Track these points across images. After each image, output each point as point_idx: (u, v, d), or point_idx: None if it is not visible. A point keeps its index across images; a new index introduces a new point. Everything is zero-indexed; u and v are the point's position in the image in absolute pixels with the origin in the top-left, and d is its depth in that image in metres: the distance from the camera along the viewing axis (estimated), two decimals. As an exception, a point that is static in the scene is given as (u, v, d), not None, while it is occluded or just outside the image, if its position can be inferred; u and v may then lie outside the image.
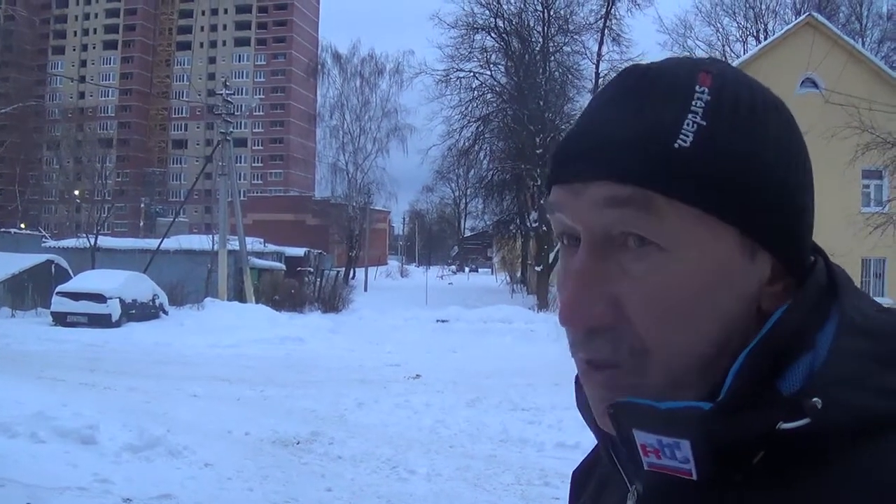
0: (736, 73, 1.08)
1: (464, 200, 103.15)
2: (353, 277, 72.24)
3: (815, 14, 39.79)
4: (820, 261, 1.10)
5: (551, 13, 52.55)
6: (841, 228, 26.15)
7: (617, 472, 1.15)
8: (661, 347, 1.02)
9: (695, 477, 0.98)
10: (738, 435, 0.95)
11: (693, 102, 1.01)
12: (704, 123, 1.00)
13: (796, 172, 1.05)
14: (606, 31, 51.64)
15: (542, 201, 50.10)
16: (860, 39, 54.99)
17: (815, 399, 0.92)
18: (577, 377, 1.17)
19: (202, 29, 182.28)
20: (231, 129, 44.57)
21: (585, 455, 1.44)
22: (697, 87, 1.03)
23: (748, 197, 1.00)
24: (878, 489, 0.89)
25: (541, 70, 52.00)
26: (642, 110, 1.03)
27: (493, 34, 54.68)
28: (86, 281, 35.09)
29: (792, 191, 1.04)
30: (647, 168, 0.99)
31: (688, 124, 1.00)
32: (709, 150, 0.99)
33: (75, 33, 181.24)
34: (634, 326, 1.02)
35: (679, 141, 0.99)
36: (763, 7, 63.57)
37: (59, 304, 33.49)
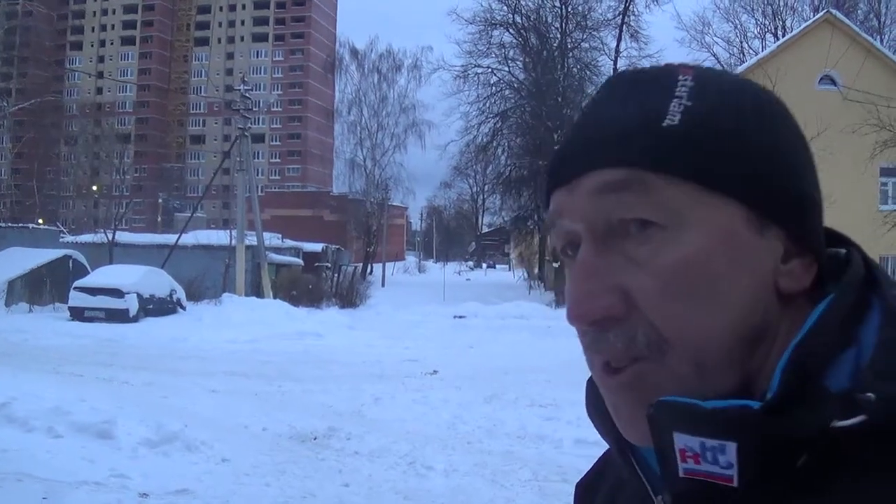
0: (718, 70, 1.10)
1: (481, 196, 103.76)
2: (370, 273, 72.63)
3: (834, 11, 39.64)
4: (856, 253, 1.05)
5: (569, 9, 52.61)
6: (859, 226, 25.97)
7: (637, 482, 1.10)
8: (679, 335, 0.98)
9: (735, 483, 0.92)
10: (789, 435, 0.90)
11: (677, 89, 1.02)
12: (690, 104, 1.00)
13: (792, 150, 1.03)
14: (624, 27, 51.64)
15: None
16: (878, 36, 54.88)
17: (868, 394, 0.87)
18: (589, 380, 1.16)
19: (220, 25, 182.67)
20: (249, 125, 44.71)
21: (593, 464, 1.41)
22: (680, 77, 1.03)
23: (744, 169, 0.98)
24: None
25: (559, 66, 52.04)
26: (628, 102, 1.03)
27: (510, 30, 54.77)
28: (103, 276, 35.26)
29: (788, 166, 1.02)
30: (638, 149, 0.99)
31: (674, 106, 1.00)
32: (698, 126, 0.99)
33: (93, 29, 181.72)
34: (647, 315, 0.98)
35: (667, 120, 0.99)
36: (781, 4, 63.45)
37: (77, 299, 33.66)
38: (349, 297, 46.37)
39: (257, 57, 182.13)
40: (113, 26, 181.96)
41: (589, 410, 1.18)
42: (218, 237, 49.66)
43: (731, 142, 0.98)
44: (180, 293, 37.66)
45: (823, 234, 1.06)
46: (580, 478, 1.41)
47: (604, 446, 1.28)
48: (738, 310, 0.97)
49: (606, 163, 1.00)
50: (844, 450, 0.89)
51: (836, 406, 0.88)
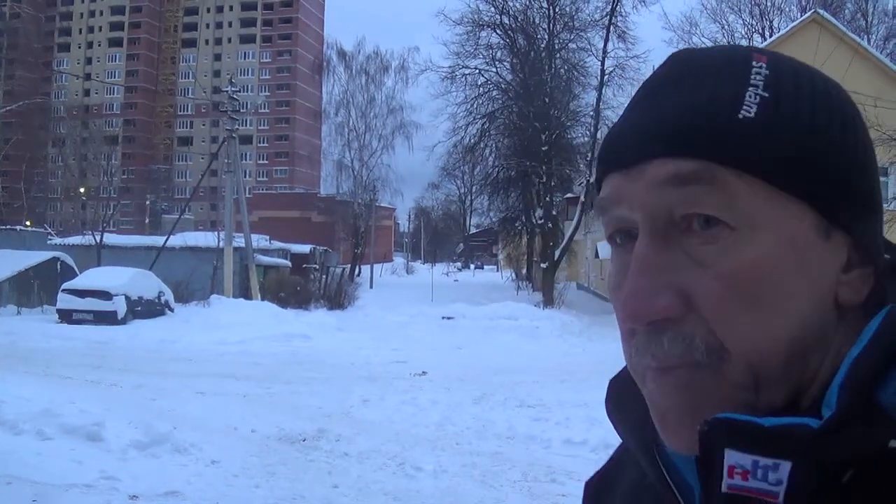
0: (787, 57, 1.03)
1: (469, 197, 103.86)
2: (358, 274, 72.56)
3: (821, 11, 39.72)
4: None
5: (557, 10, 52.47)
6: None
7: (665, 489, 1.04)
8: (740, 343, 0.93)
9: (780, 500, 0.87)
10: (846, 455, 0.86)
11: (752, 76, 0.96)
12: (767, 95, 0.95)
13: (864, 149, 0.99)
14: (612, 28, 51.45)
15: (547, 198, 50.19)
16: (866, 37, 55.02)
17: None
18: (614, 379, 1.13)
19: (207, 26, 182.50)
20: (236, 127, 44.61)
21: (603, 464, 1.32)
22: (754, 63, 0.98)
23: (819, 170, 0.94)
24: None
25: (546, 67, 51.96)
26: (700, 85, 0.97)
27: (498, 31, 54.63)
28: (91, 278, 35.16)
29: (861, 167, 0.97)
30: (712, 140, 0.94)
31: (750, 96, 0.95)
32: (776, 121, 0.94)
33: (81, 31, 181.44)
34: (707, 320, 0.94)
35: (743, 111, 0.94)
36: (768, 4, 63.58)
37: (65, 301, 33.58)
38: (337, 298, 46.28)
39: (245, 58, 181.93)
40: (100, 28, 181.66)
41: (609, 409, 1.14)
42: (206, 239, 49.59)
43: (807, 139, 0.94)
44: (168, 295, 37.57)
45: (883, 242, 1.03)
46: (589, 476, 1.32)
47: (594, 445, 1.28)
48: (798, 320, 0.94)
49: (675, 151, 0.95)
50: (890, 467, 0.85)
51: (892, 425, 0.85)
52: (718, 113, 0.94)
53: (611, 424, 1.13)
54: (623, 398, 1.09)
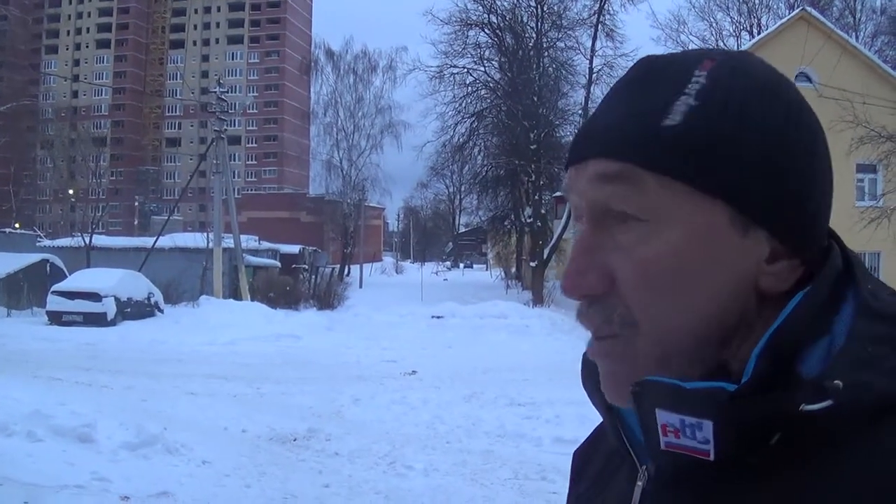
0: (745, 60, 1.10)
1: (458, 196, 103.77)
2: (347, 274, 72.48)
3: (809, 8, 39.76)
4: (835, 246, 1.10)
5: (545, 9, 52.47)
6: (835, 222, 25.63)
7: (625, 451, 1.17)
8: (649, 320, 1.05)
9: (712, 458, 0.99)
10: (762, 417, 0.96)
11: (688, 86, 1.05)
12: (696, 103, 1.03)
13: (794, 157, 1.04)
14: (600, 26, 51.44)
15: (536, 197, 50.20)
16: (854, 34, 55.09)
17: (836, 381, 0.93)
18: (584, 354, 1.20)
19: (195, 27, 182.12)
20: (225, 127, 44.55)
21: (590, 433, 1.45)
22: (697, 72, 1.06)
23: (734, 173, 1.02)
24: (884, 472, 0.91)
25: (534, 66, 51.98)
26: (640, 94, 1.07)
27: (486, 30, 54.64)
28: (81, 280, 35.09)
29: (788, 173, 1.03)
30: (636, 144, 1.04)
31: (678, 105, 1.04)
32: (696, 128, 1.02)
33: (68, 32, 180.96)
34: (624, 297, 1.06)
35: (668, 119, 1.03)
36: (756, 2, 63.69)
37: (55, 303, 33.49)
38: (327, 298, 46.22)
39: (233, 59, 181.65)
40: (88, 29, 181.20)
41: (583, 379, 1.24)
42: (195, 240, 49.46)
43: (726, 146, 1.02)
44: (158, 296, 37.52)
45: (825, 236, 1.11)
46: (578, 445, 1.47)
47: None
48: (709, 305, 1.03)
49: (606, 153, 1.06)
50: (815, 431, 0.95)
51: (807, 391, 0.94)
52: (648, 120, 1.04)
53: (599, 422, 1.21)
54: (591, 368, 1.19)
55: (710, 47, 1.30)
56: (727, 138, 1.02)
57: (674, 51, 1.18)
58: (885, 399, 0.94)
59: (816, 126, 1.09)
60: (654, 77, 1.08)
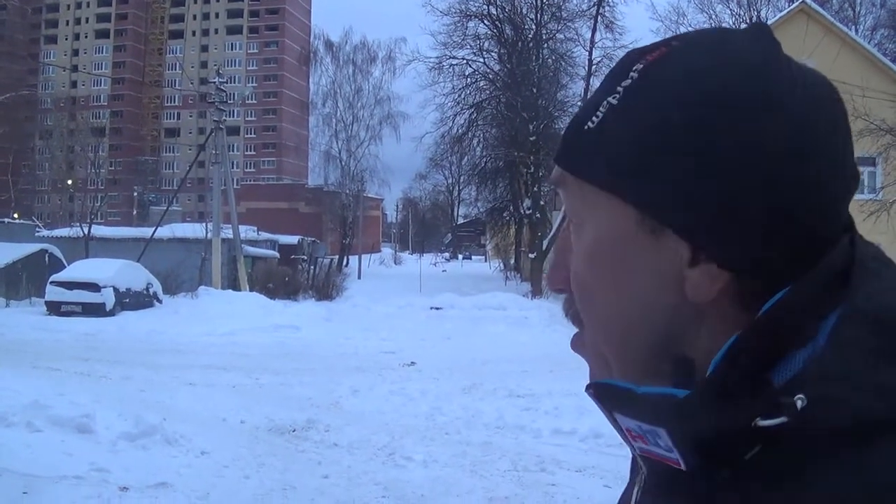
0: (692, 50, 1.00)
1: (457, 188, 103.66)
2: (346, 265, 72.50)
3: (809, 1, 39.68)
4: (845, 241, 0.98)
5: (544, 0, 52.51)
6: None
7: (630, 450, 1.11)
8: (585, 317, 1.07)
9: (683, 467, 0.94)
10: (715, 428, 0.89)
11: (621, 83, 1.01)
12: (616, 103, 1.00)
13: (716, 161, 0.93)
14: (599, 18, 51.53)
15: (535, 188, 50.21)
16: (853, 27, 55.02)
17: (798, 396, 0.85)
18: None
19: (194, 17, 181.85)
20: (224, 118, 44.60)
21: None
22: (633, 69, 1.01)
23: (641, 175, 0.96)
24: (856, 498, 0.82)
25: (534, 57, 52.01)
26: (595, 94, 1.06)
27: (485, 21, 54.70)
28: (79, 270, 35.11)
29: (721, 175, 0.92)
30: (563, 149, 1.06)
31: (603, 105, 1.01)
32: (607, 130, 1.00)
33: (67, 22, 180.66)
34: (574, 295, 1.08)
35: (589, 122, 1.02)
36: (756, -7, 63.55)
37: (53, 293, 33.50)
38: (325, 289, 46.26)
39: (232, 49, 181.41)
40: (87, 19, 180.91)
41: None
42: (194, 230, 49.56)
43: (631, 148, 0.97)
44: (157, 287, 37.50)
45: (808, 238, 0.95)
46: None
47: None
48: (630, 307, 1.01)
49: (555, 158, 1.08)
50: (784, 449, 0.87)
51: (764, 404, 0.87)
52: (577, 124, 1.04)
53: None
54: None
55: (712, 27, 1.24)
56: (631, 140, 0.97)
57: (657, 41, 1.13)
58: (863, 419, 0.84)
59: (771, 128, 0.93)
60: (611, 74, 1.05)
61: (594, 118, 1.02)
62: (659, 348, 1.00)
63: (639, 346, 1.01)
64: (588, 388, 1.03)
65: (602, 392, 1.01)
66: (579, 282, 1.05)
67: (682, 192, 0.95)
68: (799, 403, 0.85)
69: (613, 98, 1.00)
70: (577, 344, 1.11)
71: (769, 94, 0.94)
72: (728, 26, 1.26)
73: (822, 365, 0.88)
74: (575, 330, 1.13)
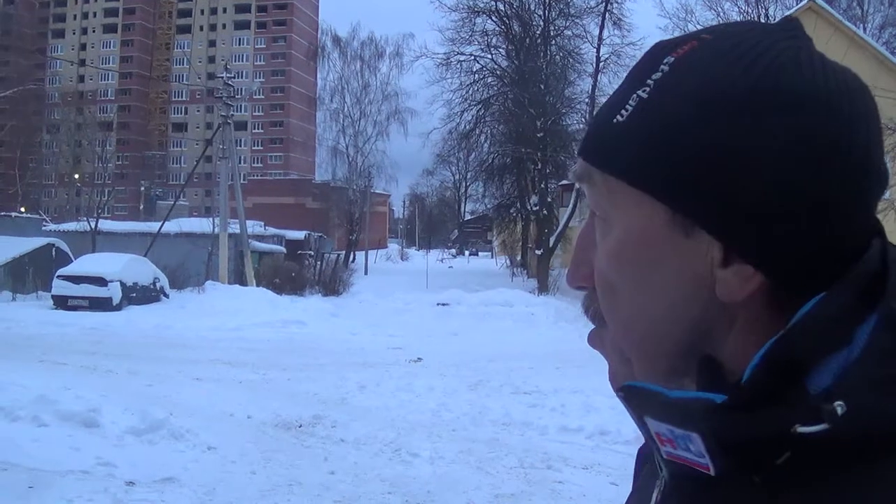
0: (722, 43, 0.97)
1: (464, 184, 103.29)
2: (353, 261, 72.37)
3: (817, -1, 39.70)
4: (876, 244, 0.96)
5: (552, -3, 52.49)
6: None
7: (654, 453, 1.06)
8: (608, 315, 1.04)
9: (712, 473, 0.91)
10: (752, 434, 0.87)
11: (651, 77, 0.98)
12: (647, 97, 0.97)
13: (745, 158, 0.91)
14: (607, 14, 51.40)
15: (542, 185, 50.17)
16: (862, 25, 54.90)
17: (837, 403, 0.83)
18: None
19: (202, 12, 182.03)
20: (231, 113, 44.62)
21: None
22: (664, 61, 0.98)
23: (670, 171, 0.94)
24: None
25: (541, 54, 51.96)
26: (622, 86, 1.03)
27: (493, 17, 54.62)
28: (86, 264, 35.21)
29: (751, 173, 0.91)
30: (589, 142, 1.04)
31: (633, 99, 0.98)
32: (637, 123, 0.97)
33: (75, 17, 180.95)
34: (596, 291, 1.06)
35: (618, 116, 0.99)
36: (764, -9, 63.47)
37: (60, 287, 33.62)
38: (332, 284, 46.30)
39: (239, 44, 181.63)
40: (95, 14, 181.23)
41: None
42: (201, 225, 49.59)
43: (664, 143, 0.94)
44: (163, 281, 37.60)
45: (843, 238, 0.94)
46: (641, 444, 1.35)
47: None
48: (656, 307, 0.99)
49: (579, 151, 1.06)
50: (820, 455, 0.86)
51: (804, 411, 0.85)
52: (605, 117, 1.02)
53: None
54: None
55: (740, 20, 1.21)
56: (664, 134, 0.94)
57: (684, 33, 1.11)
58: None
59: (809, 124, 0.92)
60: (639, 66, 1.02)
61: (623, 111, 0.98)
62: (684, 349, 0.98)
63: (663, 346, 0.99)
64: (619, 390, 1.00)
65: (632, 394, 0.98)
66: (604, 280, 1.03)
67: (717, 190, 0.92)
68: (839, 410, 0.83)
69: (644, 91, 0.98)
70: (596, 341, 1.10)
71: (806, 89, 0.93)
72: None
73: (860, 372, 0.87)
74: (591, 326, 1.11)
